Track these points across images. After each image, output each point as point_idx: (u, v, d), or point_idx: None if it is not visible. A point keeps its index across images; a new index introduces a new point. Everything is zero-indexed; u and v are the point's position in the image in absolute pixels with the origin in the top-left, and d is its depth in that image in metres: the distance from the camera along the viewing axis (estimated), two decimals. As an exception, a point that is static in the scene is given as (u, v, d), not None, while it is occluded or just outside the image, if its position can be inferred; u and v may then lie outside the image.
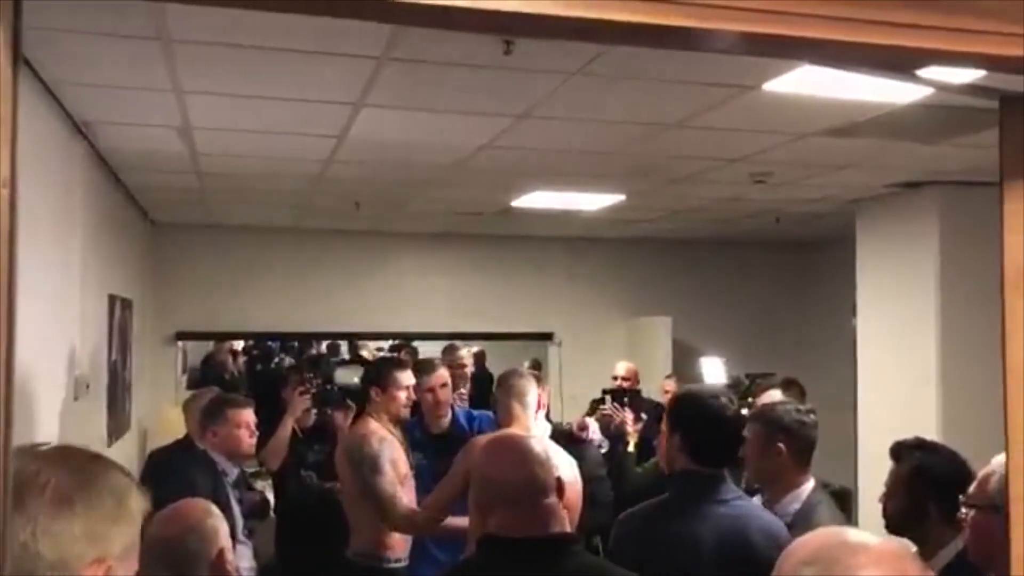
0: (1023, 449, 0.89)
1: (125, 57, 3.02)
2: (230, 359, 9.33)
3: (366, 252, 7.74)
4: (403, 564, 3.86)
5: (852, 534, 1.25)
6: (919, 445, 2.61)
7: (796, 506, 2.88)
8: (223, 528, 2.14)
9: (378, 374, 4.11)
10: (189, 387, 7.33)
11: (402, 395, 3.98)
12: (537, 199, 5.85)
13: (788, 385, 3.99)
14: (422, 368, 4.25)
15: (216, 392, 4.52)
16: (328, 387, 5.15)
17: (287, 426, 4.77)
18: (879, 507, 2.64)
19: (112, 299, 5.02)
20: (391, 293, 7.75)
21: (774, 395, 3.93)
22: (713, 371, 5.89)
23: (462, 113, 3.71)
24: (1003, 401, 0.93)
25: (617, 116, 3.77)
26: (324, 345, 10.59)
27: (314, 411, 4.96)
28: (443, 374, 4.22)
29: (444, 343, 8.58)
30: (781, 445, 2.92)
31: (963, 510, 2.10)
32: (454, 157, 4.57)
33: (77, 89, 3.43)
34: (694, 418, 2.65)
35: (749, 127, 3.94)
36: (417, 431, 4.21)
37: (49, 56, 2.99)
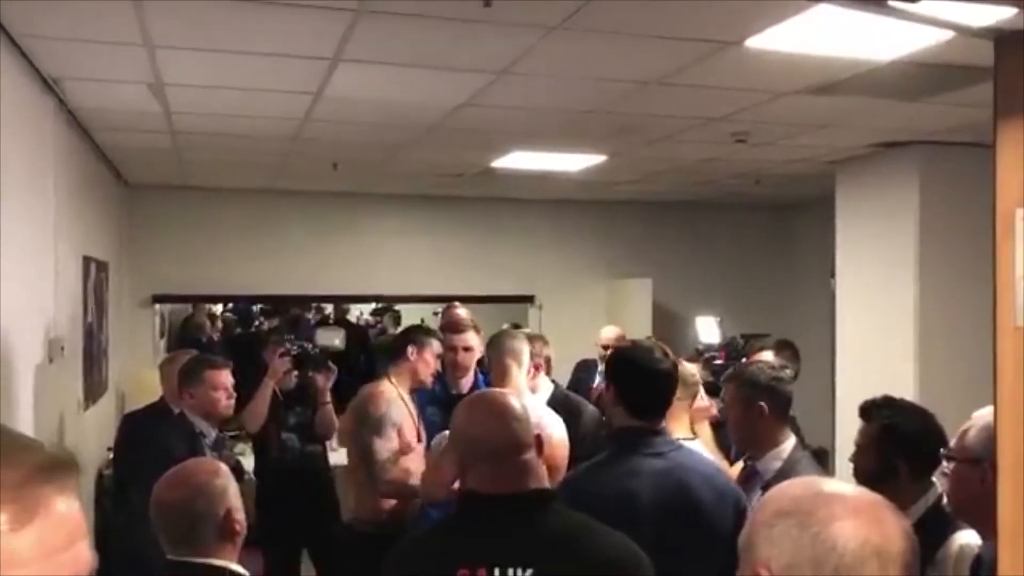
0: (1011, 411, 0.88)
1: (93, 9, 2.94)
2: (207, 322, 9.28)
3: (344, 214, 7.68)
4: (393, 532, 3.85)
5: (828, 484, 1.24)
6: (888, 403, 2.64)
7: (778, 464, 2.93)
8: (231, 487, 2.13)
9: (416, 335, 4.16)
10: (168, 350, 7.27)
11: (435, 361, 4.04)
12: (517, 159, 5.81)
13: (782, 347, 3.98)
14: (452, 327, 4.33)
15: (193, 354, 4.49)
16: (309, 349, 5.11)
17: (267, 388, 4.75)
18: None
19: (87, 261, 4.96)
20: (370, 256, 7.71)
21: (766, 356, 3.93)
22: (707, 331, 5.90)
23: (441, 69, 3.66)
24: (993, 355, 0.91)
25: (598, 73, 3.73)
26: (313, 309, 10.57)
27: (295, 374, 4.93)
28: (468, 337, 4.22)
29: (425, 306, 8.62)
30: (762, 404, 2.95)
31: (944, 463, 2.13)
32: (433, 116, 4.51)
33: (45, 43, 3.34)
34: (628, 373, 2.69)
35: (730, 85, 3.91)
36: (438, 386, 4.26)
37: (14, 8, 2.91)
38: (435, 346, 4.12)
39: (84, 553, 0.82)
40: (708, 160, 5.89)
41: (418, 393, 4.19)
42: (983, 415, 2.03)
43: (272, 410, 4.78)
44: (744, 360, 4.24)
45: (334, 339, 5.54)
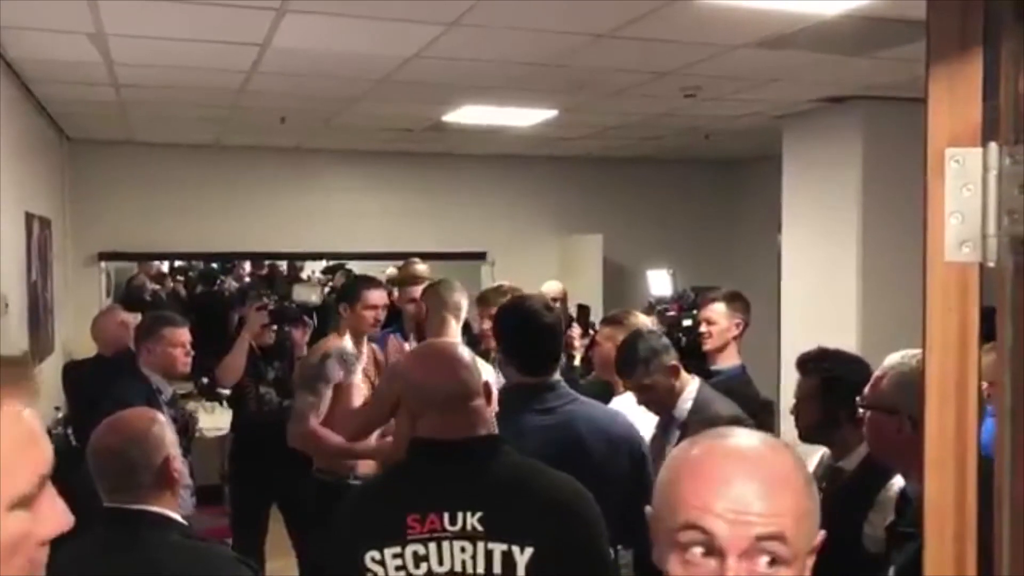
0: (939, 344, 0.92)
1: (31, -45, 2.87)
2: (148, 281, 9.27)
3: (293, 170, 7.59)
4: (360, 483, 3.86)
5: (722, 441, 1.13)
6: (824, 356, 2.71)
7: (688, 404, 3.09)
8: (169, 436, 2.12)
9: (348, 291, 4.15)
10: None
11: (369, 314, 4.03)
12: (469, 114, 5.78)
13: (732, 298, 4.02)
14: (406, 279, 4.33)
15: (116, 309, 4.53)
16: (286, 304, 5.10)
17: (244, 343, 4.75)
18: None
19: (29, 217, 4.86)
20: (320, 212, 7.64)
21: (717, 308, 3.99)
22: (659, 284, 5.97)
23: (390, 20, 3.62)
24: (922, 301, 0.95)
25: (549, 25, 3.72)
26: (265, 267, 10.53)
27: (273, 328, 4.92)
28: (420, 290, 4.22)
29: (378, 263, 8.59)
30: (673, 364, 3.09)
31: (860, 410, 2.18)
32: (382, 68, 4.47)
33: (-20, -10, 3.25)
34: (513, 329, 2.69)
35: (681, 39, 3.93)
36: (397, 339, 4.28)
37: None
38: (371, 297, 4.06)
39: (46, 449, 0.89)
40: (659, 115, 5.92)
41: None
42: (893, 364, 2.10)
43: (250, 364, 4.77)
44: (695, 312, 4.30)
45: (311, 294, 5.55)
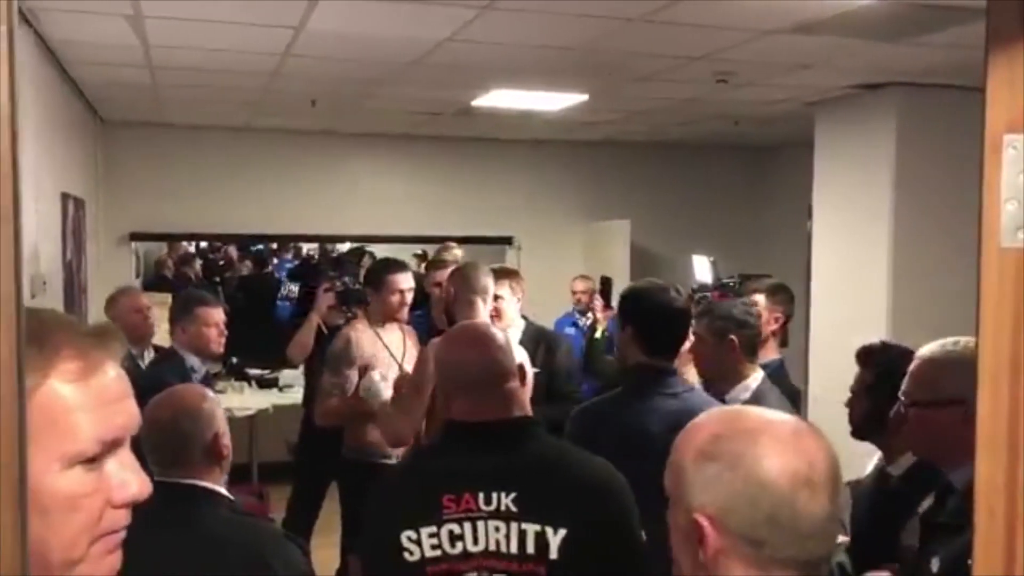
0: (993, 330, 0.92)
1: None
2: (169, 260, 9.51)
3: (321, 153, 7.62)
4: (392, 460, 3.88)
5: (747, 418, 1.24)
6: (884, 349, 2.63)
7: (745, 396, 2.99)
8: (219, 412, 2.16)
9: (373, 276, 4.19)
10: (145, 288, 7.24)
11: (394, 298, 4.06)
12: (498, 98, 5.78)
13: (774, 291, 3.92)
14: (434, 263, 4.38)
15: (132, 289, 4.81)
16: (350, 285, 5.17)
17: (312, 322, 4.88)
18: (829, 407, 2.68)
19: (65, 197, 4.92)
20: (347, 195, 7.68)
21: (757, 300, 3.94)
22: (702, 270, 5.95)
23: (424, 3, 3.62)
24: (977, 283, 0.95)
25: (582, 9, 3.71)
26: (291, 249, 10.66)
27: (341, 309, 5.00)
28: (447, 274, 4.23)
29: (404, 247, 8.61)
30: (733, 338, 3.01)
31: (902, 408, 2.09)
32: (415, 51, 4.48)
33: (21, -28, 3.27)
34: (645, 311, 2.72)
35: (714, 23, 3.91)
36: (426, 323, 4.32)
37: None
38: (392, 281, 4.09)
39: (133, 408, 0.96)
40: (689, 101, 5.89)
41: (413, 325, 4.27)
42: (934, 354, 2.02)
43: (318, 344, 4.84)
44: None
45: None
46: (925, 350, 2.08)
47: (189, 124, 7.07)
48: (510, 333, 3.94)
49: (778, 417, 1.25)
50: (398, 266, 4.26)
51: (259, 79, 5.22)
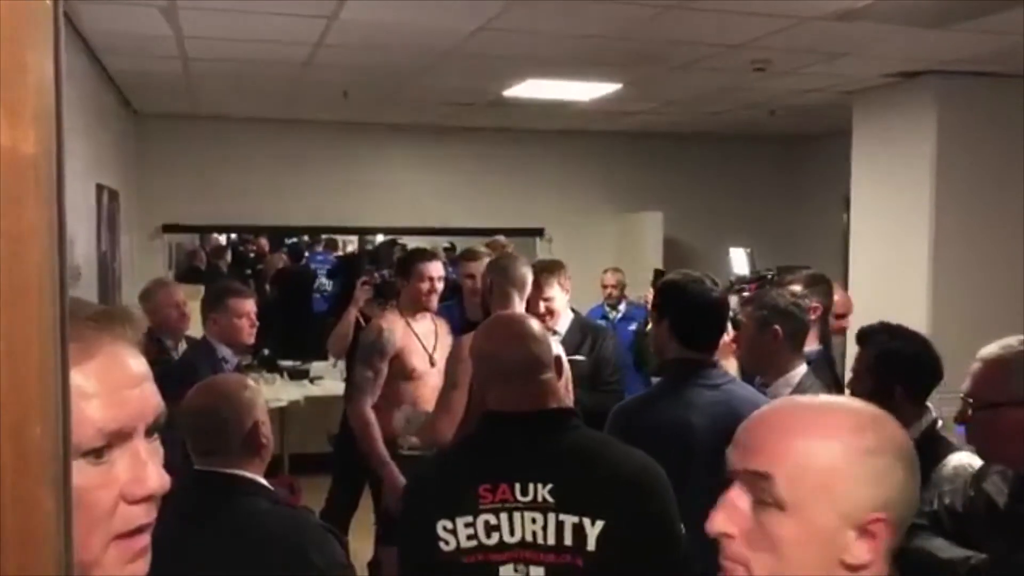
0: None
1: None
2: (201, 252, 9.65)
3: (352, 145, 7.62)
4: (420, 453, 3.83)
5: (848, 401, 1.20)
6: (885, 329, 2.64)
7: (787, 391, 2.93)
8: (259, 402, 2.14)
9: (403, 265, 4.18)
10: (177, 279, 7.29)
11: (423, 286, 4.05)
12: (531, 88, 5.74)
13: (811, 282, 3.79)
14: (466, 254, 4.37)
15: (167, 281, 4.79)
16: (388, 278, 5.17)
17: (350, 315, 4.92)
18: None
19: (100, 188, 4.95)
20: (377, 187, 7.66)
21: (795, 291, 3.83)
22: (739, 262, 5.89)
23: (459, -9, 3.60)
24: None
25: (618, -4, 3.66)
26: (322, 242, 10.75)
27: (378, 302, 5.01)
28: (480, 266, 4.19)
29: (434, 239, 8.60)
30: (777, 328, 2.95)
31: (969, 410, 2.04)
32: (448, 41, 4.45)
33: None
34: (681, 304, 2.68)
35: (753, 10, 3.84)
36: (456, 314, 4.32)
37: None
38: (422, 269, 4.05)
39: (151, 394, 0.87)
40: (724, 90, 5.82)
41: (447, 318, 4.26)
42: (996, 355, 1.98)
43: (356, 335, 4.82)
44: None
45: None
46: (987, 352, 2.03)
47: (221, 116, 7.10)
48: (559, 324, 3.96)
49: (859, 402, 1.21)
50: (428, 255, 4.25)
51: (291, 70, 5.22)
